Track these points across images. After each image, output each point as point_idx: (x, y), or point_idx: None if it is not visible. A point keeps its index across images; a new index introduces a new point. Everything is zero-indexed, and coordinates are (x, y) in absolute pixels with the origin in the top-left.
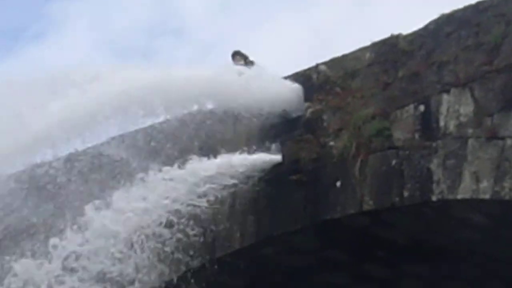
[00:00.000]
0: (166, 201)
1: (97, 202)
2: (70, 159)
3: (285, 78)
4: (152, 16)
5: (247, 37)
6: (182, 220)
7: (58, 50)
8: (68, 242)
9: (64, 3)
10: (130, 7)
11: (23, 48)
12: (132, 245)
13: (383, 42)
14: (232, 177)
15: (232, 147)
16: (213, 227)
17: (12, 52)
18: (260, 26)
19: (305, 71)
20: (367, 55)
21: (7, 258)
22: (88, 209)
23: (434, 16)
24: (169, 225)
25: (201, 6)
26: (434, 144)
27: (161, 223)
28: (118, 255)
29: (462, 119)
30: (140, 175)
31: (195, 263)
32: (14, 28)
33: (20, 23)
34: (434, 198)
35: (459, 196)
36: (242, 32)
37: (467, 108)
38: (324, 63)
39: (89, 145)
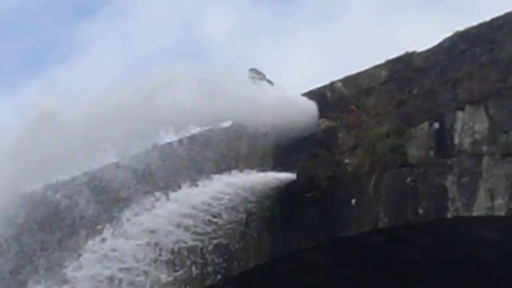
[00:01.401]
0: (181, 219)
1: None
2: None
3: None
4: (174, 38)
5: (269, 56)
6: (198, 238)
7: (84, 71)
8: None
9: (90, 24)
10: (154, 29)
11: (50, 70)
12: (148, 262)
13: (398, 59)
14: (246, 195)
15: (247, 165)
16: (228, 245)
17: (38, 73)
18: (281, 45)
19: (319, 88)
20: (382, 72)
21: None
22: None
23: (449, 33)
24: (185, 243)
25: (222, 27)
26: (449, 162)
27: (177, 241)
28: (133, 273)
29: (477, 136)
30: (156, 194)
31: (210, 281)
32: (40, 50)
33: (46, 45)
34: (449, 216)
35: (474, 214)
36: (263, 51)
37: (481, 125)
38: (339, 81)
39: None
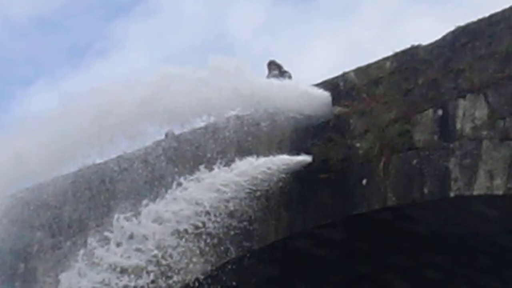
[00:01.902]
0: (211, 197)
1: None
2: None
3: (315, 85)
4: (203, 35)
5: (289, 50)
6: (223, 216)
7: (119, 66)
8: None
9: (125, 23)
10: (184, 28)
11: (89, 64)
12: (179, 235)
13: (404, 52)
14: (266, 176)
15: (267, 149)
16: (250, 222)
17: (79, 67)
18: (300, 40)
19: (333, 79)
20: (390, 64)
21: None
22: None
23: (451, 28)
24: (212, 220)
25: (247, 25)
26: (451, 145)
27: (205, 217)
28: (166, 243)
29: (477, 122)
30: (188, 176)
31: (234, 255)
32: (80, 46)
33: (86, 41)
34: (452, 194)
35: (475, 193)
36: (284, 46)
37: (481, 112)
38: (351, 72)
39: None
